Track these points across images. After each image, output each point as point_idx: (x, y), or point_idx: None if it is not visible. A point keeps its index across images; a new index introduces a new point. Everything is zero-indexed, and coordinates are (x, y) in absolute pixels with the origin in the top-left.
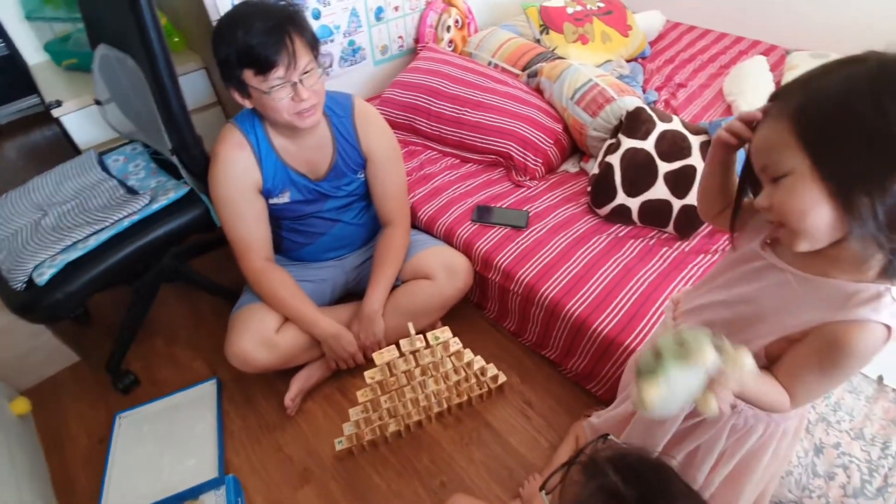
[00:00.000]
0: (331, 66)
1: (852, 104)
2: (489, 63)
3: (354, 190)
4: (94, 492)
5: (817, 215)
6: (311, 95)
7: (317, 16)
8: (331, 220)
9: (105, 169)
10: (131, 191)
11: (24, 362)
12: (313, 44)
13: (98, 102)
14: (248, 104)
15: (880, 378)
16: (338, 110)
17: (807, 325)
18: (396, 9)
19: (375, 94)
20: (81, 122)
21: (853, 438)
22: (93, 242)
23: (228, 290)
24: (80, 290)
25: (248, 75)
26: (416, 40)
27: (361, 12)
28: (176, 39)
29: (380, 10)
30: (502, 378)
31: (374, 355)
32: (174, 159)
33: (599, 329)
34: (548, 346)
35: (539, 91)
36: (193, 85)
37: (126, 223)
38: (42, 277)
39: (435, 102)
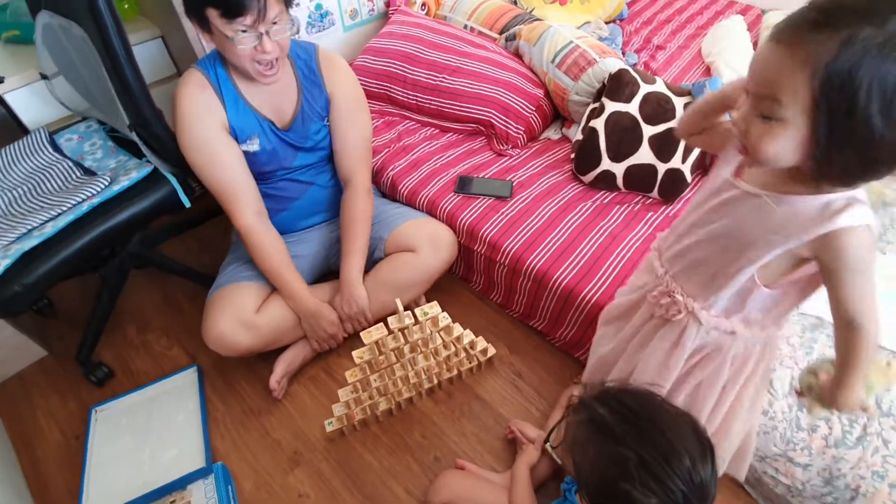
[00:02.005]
0: (297, 33)
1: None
2: (465, 26)
3: (321, 141)
4: (73, 491)
5: (786, 156)
6: (275, 48)
7: None
8: (303, 182)
9: (57, 149)
10: (88, 172)
11: None
12: None
13: (44, 77)
14: (206, 39)
15: None
16: (302, 54)
17: (797, 238)
18: None
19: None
20: (28, 100)
21: None
22: (50, 229)
23: (201, 273)
24: (39, 281)
25: (213, 14)
26: (388, 3)
27: None
28: (126, 6)
29: None
30: (491, 351)
31: (363, 334)
32: (133, 136)
33: (587, 298)
34: (535, 316)
35: (518, 55)
36: (150, 56)
37: (85, 207)
38: None
39: (410, 70)
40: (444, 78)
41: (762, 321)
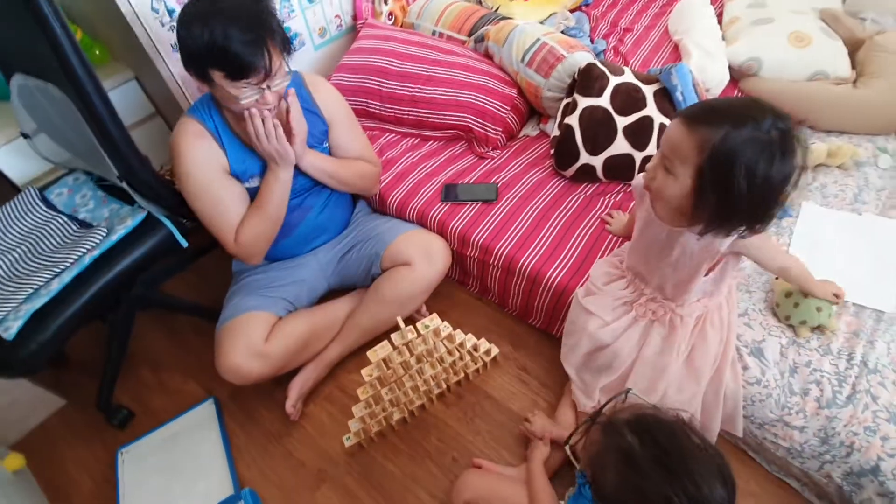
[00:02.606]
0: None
1: (734, 174)
2: (433, 32)
3: None
4: None
5: (675, 199)
6: (276, 98)
7: None
8: (303, 207)
9: (50, 205)
10: (84, 224)
11: (5, 417)
12: (284, 46)
13: (25, 136)
14: (205, 89)
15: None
16: (290, 83)
17: (716, 251)
18: None
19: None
20: (11, 157)
21: (822, 355)
22: (56, 286)
23: (205, 307)
24: (54, 337)
25: (217, 75)
26: (355, 17)
27: None
28: (97, 52)
29: None
30: (495, 350)
31: (369, 353)
32: (124, 185)
33: (576, 292)
34: (532, 314)
35: (488, 56)
36: (126, 99)
37: (87, 260)
38: (9, 332)
39: (384, 83)
40: (418, 88)
41: (719, 288)
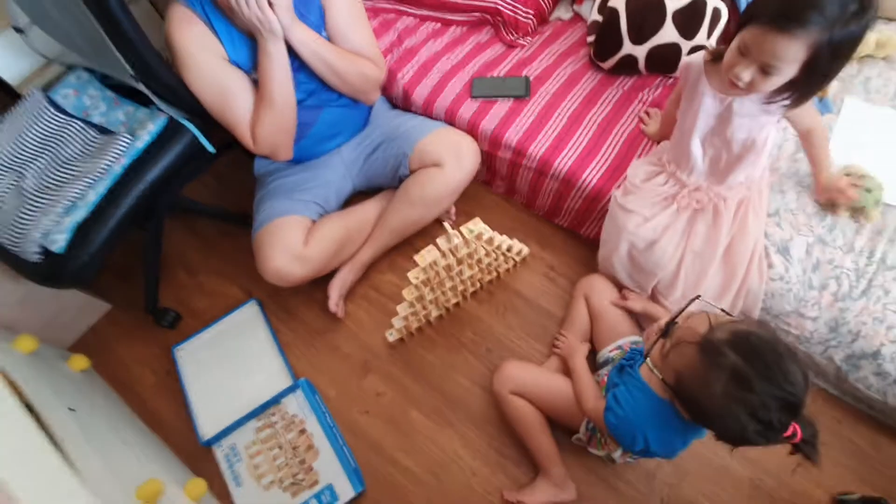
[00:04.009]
0: None
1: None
2: None
3: None
4: (183, 418)
5: (775, 88)
6: None
7: None
8: (313, 107)
9: (60, 110)
10: (103, 130)
11: (56, 322)
12: None
13: (18, 30)
14: None
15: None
16: None
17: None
18: None
19: None
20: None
21: (845, 253)
22: (93, 197)
23: (229, 211)
24: (101, 248)
25: None
26: None
27: None
28: None
29: None
30: (526, 250)
31: (417, 257)
32: (142, 87)
33: (613, 194)
34: (559, 214)
35: None
36: None
37: (118, 169)
38: (57, 245)
39: None
40: None
41: (759, 163)
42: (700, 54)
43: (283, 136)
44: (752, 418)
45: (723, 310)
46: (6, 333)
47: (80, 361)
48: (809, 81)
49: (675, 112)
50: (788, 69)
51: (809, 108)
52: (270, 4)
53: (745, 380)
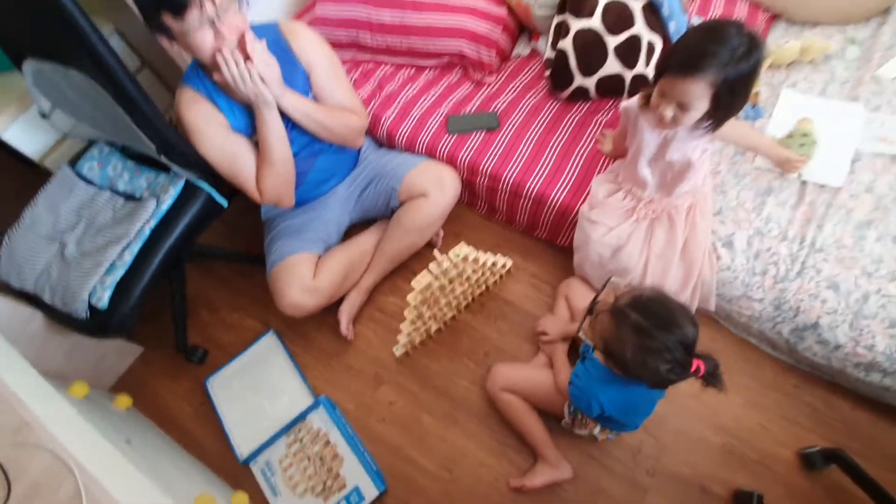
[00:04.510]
0: (248, 4)
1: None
2: None
3: None
4: (220, 441)
5: (694, 121)
6: (232, 31)
7: None
8: (308, 156)
9: (87, 181)
10: (129, 197)
11: (99, 368)
12: None
13: (44, 116)
14: (175, 48)
15: (799, 175)
16: (266, 35)
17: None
18: None
19: (305, 8)
20: (21, 133)
21: (780, 241)
22: (128, 258)
23: (242, 254)
24: (138, 300)
25: (168, 19)
26: None
27: None
28: None
29: None
30: (509, 263)
31: (414, 283)
32: (163, 159)
33: (581, 209)
34: (537, 228)
35: None
36: None
37: (147, 231)
38: (102, 302)
39: (374, 11)
40: (408, 15)
41: (699, 174)
42: (635, 99)
43: (285, 188)
44: (660, 359)
45: (633, 286)
46: (59, 382)
47: (124, 400)
48: (720, 110)
49: (621, 141)
50: (700, 104)
51: (734, 126)
52: (263, 80)
53: (644, 330)
